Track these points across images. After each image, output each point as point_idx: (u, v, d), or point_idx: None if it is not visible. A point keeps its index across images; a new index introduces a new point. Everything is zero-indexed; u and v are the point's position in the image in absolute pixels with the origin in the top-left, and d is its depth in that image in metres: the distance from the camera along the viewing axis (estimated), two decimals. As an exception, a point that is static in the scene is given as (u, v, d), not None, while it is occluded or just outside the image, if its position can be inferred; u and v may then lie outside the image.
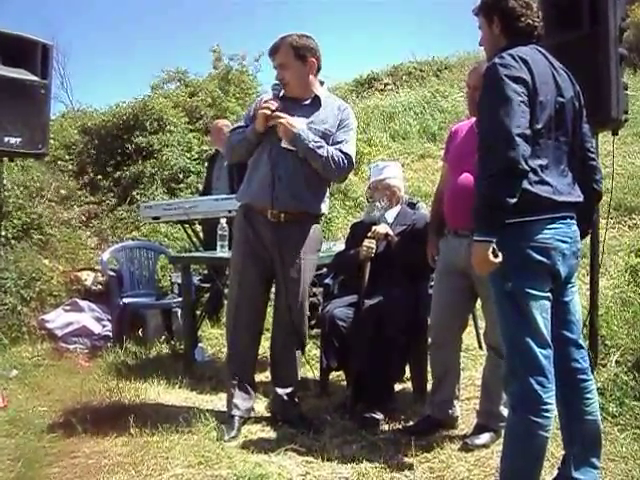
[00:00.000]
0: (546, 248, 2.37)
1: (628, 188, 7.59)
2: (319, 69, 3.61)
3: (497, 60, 2.37)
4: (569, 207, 2.45)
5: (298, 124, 3.45)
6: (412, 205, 4.37)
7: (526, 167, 2.26)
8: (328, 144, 3.51)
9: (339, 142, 3.55)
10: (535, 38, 2.54)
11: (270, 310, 3.87)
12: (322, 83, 3.69)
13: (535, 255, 2.36)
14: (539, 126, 2.36)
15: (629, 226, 7.07)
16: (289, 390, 3.67)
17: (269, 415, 3.76)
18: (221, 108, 10.06)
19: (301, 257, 3.57)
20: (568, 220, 2.45)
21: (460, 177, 3.27)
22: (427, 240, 3.64)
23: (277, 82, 3.57)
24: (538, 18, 2.53)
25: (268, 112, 3.43)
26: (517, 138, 2.24)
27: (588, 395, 2.53)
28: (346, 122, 3.62)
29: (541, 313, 2.38)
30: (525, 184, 2.32)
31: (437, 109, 11.44)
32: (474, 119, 3.34)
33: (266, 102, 3.47)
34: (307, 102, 3.59)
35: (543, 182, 2.37)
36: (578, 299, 2.62)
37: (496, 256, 2.32)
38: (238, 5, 33.89)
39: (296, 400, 3.71)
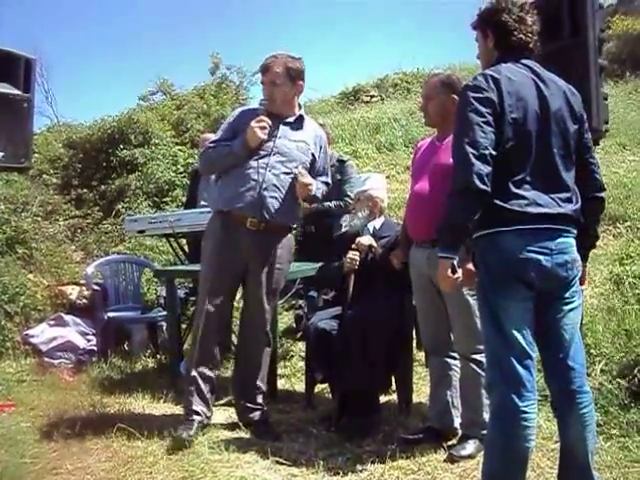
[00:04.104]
0: (514, 259, 2.34)
1: (612, 197, 7.61)
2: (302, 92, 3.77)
3: (470, 82, 2.43)
4: (553, 219, 2.39)
5: (310, 180, 3.63)
6: None
7: (482, 187, 2.28)
8: (308, 161, 3.69)
9: (323, 172, 3.84)
10: (528, 52, 2.56)
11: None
12: (300, 107, 3.81)
13: (502, 266, 2.36)
14: (512, 143, 2.37)
15: (614, 235, 7.09)
16: (251, 398, 3.72)
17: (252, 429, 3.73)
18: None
19: (276, 267, 3.64)
20: (551, 232, 2.38)
21: (415, 188, 3.31)
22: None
23: (264, 99, 3.64)
24: (531, 33, 2.55)
25: (264, 132, 3.51)
26: (473, 159, 2.28)
27: (584, 410, 2.43)
28: (324, 147, 3.84)
29: (516, 323, 2.35)
30: (496, 200, 2.34)
31: (423, 121, 11.47)
32: (436, 132, 3.46)
33: (259, 120, 3.51)
34: (290, 120, 3.69)
35: (517, 196, 2.35)
36: (574, 316, 2.48)
37: (454, 272, 2.39)
38: (228, 18, 33.98)
39: (260, 407, 3.74)
